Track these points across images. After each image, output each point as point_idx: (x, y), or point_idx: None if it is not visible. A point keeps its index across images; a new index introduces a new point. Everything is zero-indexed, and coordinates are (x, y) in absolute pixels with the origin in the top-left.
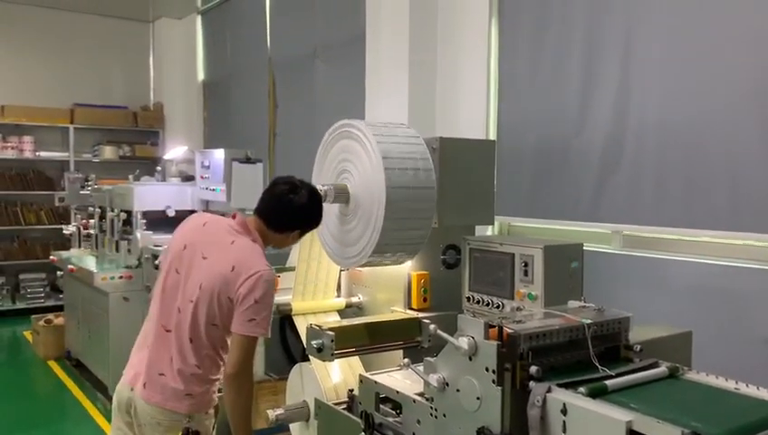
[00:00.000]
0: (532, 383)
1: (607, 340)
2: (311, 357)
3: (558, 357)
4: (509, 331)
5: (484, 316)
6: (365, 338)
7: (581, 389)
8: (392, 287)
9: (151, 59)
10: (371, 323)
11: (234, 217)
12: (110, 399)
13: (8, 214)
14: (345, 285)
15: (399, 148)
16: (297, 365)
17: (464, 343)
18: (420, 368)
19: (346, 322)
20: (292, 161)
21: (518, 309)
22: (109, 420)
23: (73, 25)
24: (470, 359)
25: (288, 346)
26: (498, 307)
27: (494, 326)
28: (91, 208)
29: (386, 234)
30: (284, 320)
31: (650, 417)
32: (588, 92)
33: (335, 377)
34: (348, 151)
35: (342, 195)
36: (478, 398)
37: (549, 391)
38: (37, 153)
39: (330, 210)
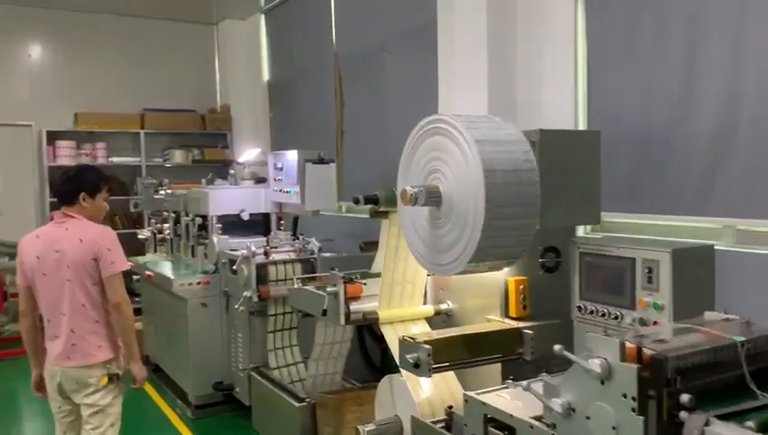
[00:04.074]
0: (683, 414)
1: (757, 359)
2: (402, 370)
3: (705, 380)
4: (651, 352)
5: (603, 327)
6: (463, 351)
7: (750, 422)
8: (485, 293)
9: (217, 61)
10: (469, 334)
11: (52, 218)
12: (189, 404)
13: None
14: (431, 290)
15: (498, 144)
16: (386, 377)
17: (596, 365)
18: (539, 390)
19: (441, 333)
20: (361, 159)
21: (642, 321)
22: (189, 426)
23: (139, 31)
24: (602, 383)
25: (368, 353)
26: (616, 318)
27: (631, 346)
28: (165, 213)
29: (485, 239)
30: (362, 326)
31: None
32: (692, 76)
33: (428, 389)
34: (439, 149)
35: (434, 197)
36: (614, 427)
37: (707, 424)
38: (110, 159)
39: (419, 213)
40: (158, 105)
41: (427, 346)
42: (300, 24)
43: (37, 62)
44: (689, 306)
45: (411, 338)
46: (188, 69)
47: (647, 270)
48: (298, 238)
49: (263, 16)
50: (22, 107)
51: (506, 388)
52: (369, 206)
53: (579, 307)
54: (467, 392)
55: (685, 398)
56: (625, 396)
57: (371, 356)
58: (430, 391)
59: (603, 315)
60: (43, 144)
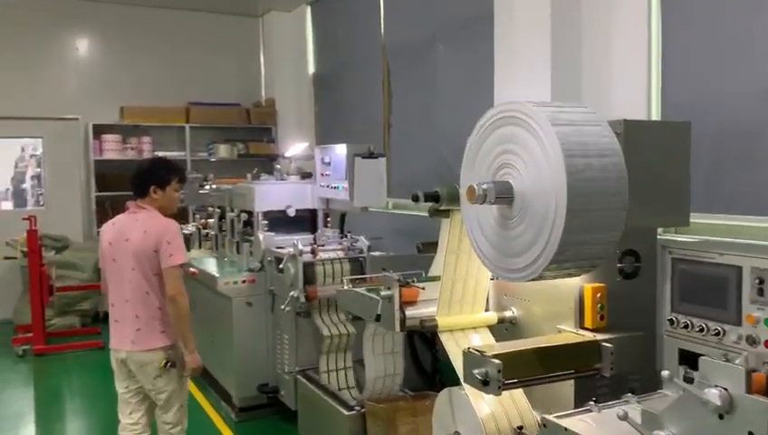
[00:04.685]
0: None
1: None
2: (464, 383)
3: None
4: None
5: (699, 343)
6: (535, 366)
7: None
8: (555, 300)
9: (261, 54)
10: (543, 347)
11: (128, 207)
12: (233, 406)
13: None
14: (494, 295)
15: (582, 136)
16: (446, 390)
17: (714, 396)
18: (636, 419)
19: (511, 346)
20: (409, 154)
21: (750, 340)
22: (231, 427)
23: (184, 24)
24: (721, 417)
25: (418, 357)
26: (717, 334)
27: (760, 375)
28: (210, 208)
29: (566, 243)
30: (413, 332)
31: None
32: None
33: (493, 406)
34: (512, 141)
35: (506, 195)
36: None
37: None
38: (155, 153)
39: (486, 212)
40: (203, 99)
41: (497, 361)
42: (347, 15)
43: (84, 56)
44: None
45: (478, 351)
46: (233, 62)
47: (757, 280)
48: (345, 236)
49: (308, 8)
50: (69, 100)
51: (589, 411)
52: (429, 204)
53: (670, 320)
54: (546, 416)
55: None
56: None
57: (423, 364)
58: (496, 408)
59: (701, 331)
60: (89, 138)
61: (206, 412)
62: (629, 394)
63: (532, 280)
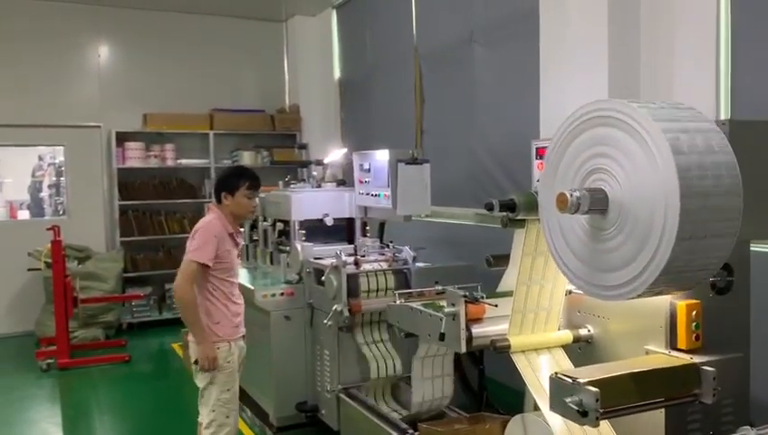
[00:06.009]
0: None
1: None
2: (542, 407)
3: None
4: None
5: None
6: (632, 393)
7: None
8: (639, 318)
9: (285, 59)
10: (639, 372)
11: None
12: (270, 426)
13: (153, 223)
14: (565, 311)
15: (689, 135)
16: (518, 416)
17: None
18: None
19: (606, 370)
20: (444, 159)
21: None
22: None
23: (208, 29)
24: None
25: (465, 377)
26: None
27: None
28: None
29: (678, 254)
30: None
31: None
32: None
33: (574, 433)
34: (606, 143)
35: (600, 202)
36: None
37: None
38: (178, 161)
39: (572, 222)
40: (227, 105)
41: (594, 388)
42: (375, 17)
43: (106, 63)
44: None
45: (569, 376)
46: (257, 68)
47: None
48: (387, 246)
49: (334, 12)
50: (91, 108)
51: None
52: (504, 213)
53: None
54: None
55: None
56: None
57: (470, 381)
58: (571, 430)
59: None
60: (112, 145)
61: (241, 431)
62: (748, 427)
63: (636, 297)
